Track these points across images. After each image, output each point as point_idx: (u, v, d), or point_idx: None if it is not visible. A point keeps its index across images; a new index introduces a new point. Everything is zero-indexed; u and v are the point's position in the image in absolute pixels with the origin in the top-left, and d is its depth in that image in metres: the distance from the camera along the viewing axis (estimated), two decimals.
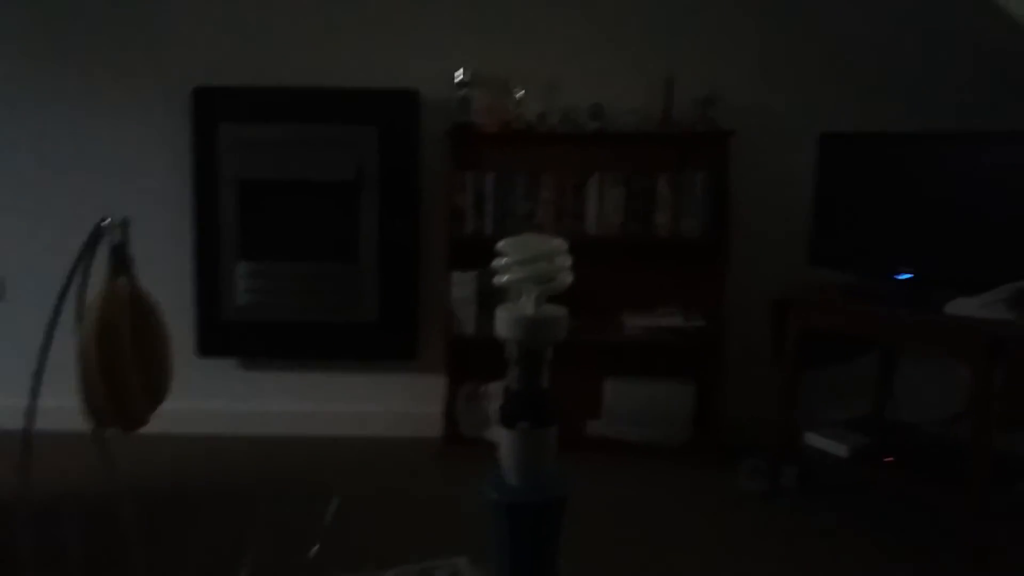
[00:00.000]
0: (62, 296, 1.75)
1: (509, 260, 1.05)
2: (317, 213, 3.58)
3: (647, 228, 3.44)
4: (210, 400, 3.67)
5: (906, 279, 2.84)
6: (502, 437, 1.10)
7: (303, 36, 3.56)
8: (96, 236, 1.76)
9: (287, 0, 3.53)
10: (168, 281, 3.17)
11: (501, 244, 1.06)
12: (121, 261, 1.77)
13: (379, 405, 3.74)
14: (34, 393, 1.77)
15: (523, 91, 3.47)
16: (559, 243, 1.06)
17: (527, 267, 1.04)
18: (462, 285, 3.48)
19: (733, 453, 3.31)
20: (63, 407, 2.08)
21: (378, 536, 2.71)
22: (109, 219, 1.76)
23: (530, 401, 1.07)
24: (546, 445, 1.08)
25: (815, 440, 3.00)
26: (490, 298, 3.46)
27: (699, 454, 3.43)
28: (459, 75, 3.45)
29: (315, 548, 2.15)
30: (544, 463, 1.09)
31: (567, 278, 1.06)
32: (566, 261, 1.06)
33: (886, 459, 2.83)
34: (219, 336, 3.62)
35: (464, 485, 3.12)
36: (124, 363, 1.73)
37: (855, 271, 3.08)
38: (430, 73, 3.53)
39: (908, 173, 2.87)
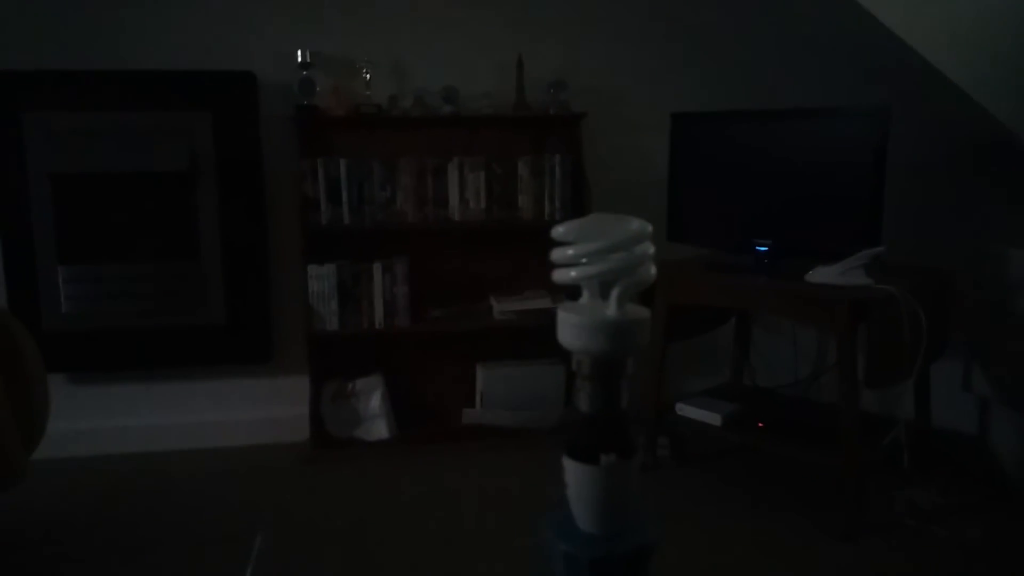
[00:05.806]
0: None
1: (579, 251, 0.76)
2: (149, 208, 3.01)
3: (511, 212, 3.19)
4: None
5: (763, 251, 2.80)
6: (573, 474, 0.80)
7: (121, 13, 2.97)
8: None
9: None
10: None
11: (563, 230, 0.77)
12: None
13: (237, 412, 3.22)
14: None
15: (370, 73, 3.12)
16: (639, 226, 0.77)
17: (604, 259, 0.75)
18: (320, 279, 3.07)
19: None
20: None
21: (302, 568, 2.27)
22: None
23: (611, 427, 0.78)
24: (632, 480, 0.80)
25: (686, 411, 2.90)
26: (351, 290, 3.09)
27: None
28: (299, 56, 3.03)
29: None
30: (630, 503, 0.80)
31: (651, 270, 0.78)
32: (648, 248, 0.78)
33: (759, 424, 2.78)
34: (42, 349, 2.96)
35: (349, 492, 2.77)
36: None
37: (713, 245, 3.00)
38: (267, 54, 3.07)
39: (755, 148, 2.80)
